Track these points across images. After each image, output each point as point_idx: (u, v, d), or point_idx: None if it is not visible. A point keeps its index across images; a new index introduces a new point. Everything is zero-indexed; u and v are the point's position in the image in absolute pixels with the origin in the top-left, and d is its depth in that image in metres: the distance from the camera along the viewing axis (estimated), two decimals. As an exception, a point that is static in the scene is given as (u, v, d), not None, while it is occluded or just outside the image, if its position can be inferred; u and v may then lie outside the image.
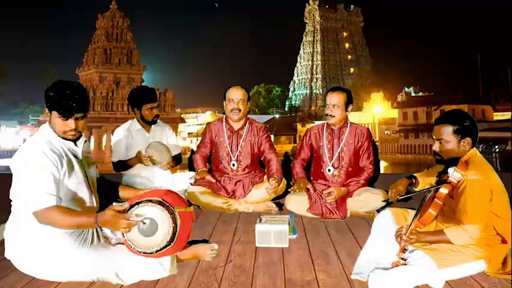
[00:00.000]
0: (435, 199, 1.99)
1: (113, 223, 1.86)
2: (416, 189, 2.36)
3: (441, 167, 2.21)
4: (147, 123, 3.65)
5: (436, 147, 2.11)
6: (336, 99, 3.28)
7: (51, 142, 1.94)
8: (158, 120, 3.79)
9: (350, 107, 3.35)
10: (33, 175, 1.84)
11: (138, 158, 3.41)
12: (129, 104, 3.65)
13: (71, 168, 1.97)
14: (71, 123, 1.96)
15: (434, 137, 2.12)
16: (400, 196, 2.23)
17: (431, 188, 2.09)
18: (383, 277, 1.83)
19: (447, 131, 2.06)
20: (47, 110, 1.97)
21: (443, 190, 1.99)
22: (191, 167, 3.89)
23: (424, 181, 2.36)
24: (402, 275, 1.83)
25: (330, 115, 3.30)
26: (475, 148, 2.08)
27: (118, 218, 1.85)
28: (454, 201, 2.01)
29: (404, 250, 1.93)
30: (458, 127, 2.04)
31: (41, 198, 1.83)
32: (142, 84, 36.94)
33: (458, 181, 1.98)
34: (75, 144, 2.05)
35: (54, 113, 1.95)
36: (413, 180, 2.39)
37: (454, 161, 2.07)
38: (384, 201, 2.33)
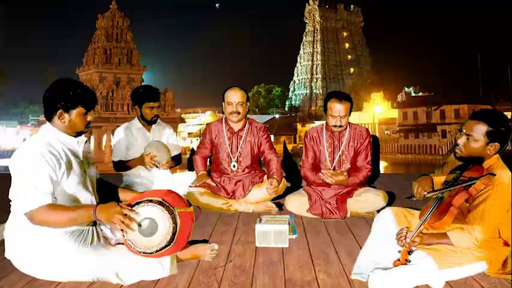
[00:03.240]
0: (452, 207, 1.93)
1: (112, 214, 1.83)
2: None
3: (453, 165, 2.16)
4: (146, 123, 3.66)
5: (461, 141, 2.00)
6: (343, 110, 3.19)
7: (50, 143, 1.94)
8: (159, 120, 3.80)
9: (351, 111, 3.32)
10: (28, 176, 1.84)
11: (141, 160, 3.42)
12: (132, 101, 3.67)
13: (70, 168, 1.96)
14: (89, 116, 2.03)
15: (463, 130, 2.00)
16: (428, 192, 2.06)
17: (447, 189, 2.01)
18: (383, 277, 1.82)
19: (479, 130, 1.96)
20: (61, 111, 1.96)
21: (461, 197, 1.94)
22: (191, 167, 3.89)
23: (440, 181, 2.24)
24: (402, 275, 1.83)
25: (340, 126, 3.22)
26: (497, 155, 2.00)
27: (118, 210, 1.83)
28: (467, 206, 1.97)
29: (409, 252, 1.91)
30: (492, 129, 1.93)
31: (34, 198, 1.82)
32: (143, 84, 36.93)
33: (479, 190, 1.93)
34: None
35: (77, 110, 1.97)
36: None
37: (473, 161, 2.01)
38: (409, 197, 2.07)
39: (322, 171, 3.22)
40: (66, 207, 1.90)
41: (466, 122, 2.02)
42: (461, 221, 1.98)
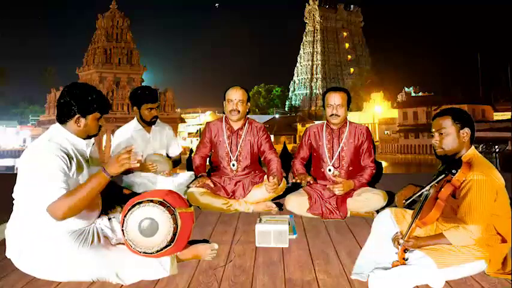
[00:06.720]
0: (438, 200, 1.97)
1: (118, 162, 1.89)
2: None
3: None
4: (146, 124, 3.67)
5: (435, 139, 2.11)
6: (339, 98, 3.29)
7: (60, 143, 1.95)
8: (158, 120, 3.80)
9: (349, 106, 3.39)
10: (44, 173, 1.85)
11: (142, 167, 3.44)
12: (131, 102, 3.68)
13: (79, 169, 1.98)
14: (101, 120, 2.08)
15: (433, 130, 2.12)
16: (406, 200, 2.17)
17: (431, 184, 2.06)
18: (383, 277, 1.83)
19: (447, 121, 2.08)
20: (79, 116, 1.99)
21: (446, 191, 1.98)
22: (190, 167, 3.90)
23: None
24: (402, 275, 1.84)
25: (336, 115, 3.29)
26: (473, 147, 2.09)
27: (121, 156, 1.89)
28: (456, 201, 2.01)
29: (405, 250, 1.93)
30: (457, 115, 2.08)
31: (52, 192, 1.84)
32: (143, 84, 37.08)
33: (462, 182, 1.97)
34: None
35: (93, 115, 2.02)
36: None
37: (453, 157, 2.07)
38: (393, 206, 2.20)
39: (328, 186, 3.27)
40: (78, 187, 1.90)
41: (433, 123, 2.14)
42: (454, 219, 2.00)
